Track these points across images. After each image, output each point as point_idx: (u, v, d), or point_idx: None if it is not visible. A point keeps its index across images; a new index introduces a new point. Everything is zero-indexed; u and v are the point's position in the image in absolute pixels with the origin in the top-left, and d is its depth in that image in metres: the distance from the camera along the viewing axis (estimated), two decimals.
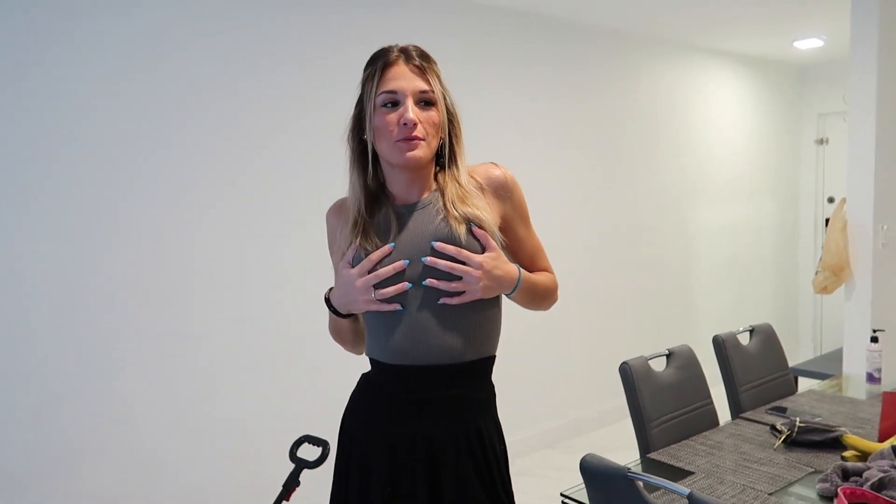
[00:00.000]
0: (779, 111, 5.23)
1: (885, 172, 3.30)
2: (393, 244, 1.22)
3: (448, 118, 1.26)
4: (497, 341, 1.33)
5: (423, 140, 1.20)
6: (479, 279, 1.20)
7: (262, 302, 2.74)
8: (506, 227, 1.32)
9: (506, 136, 3.44)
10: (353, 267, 1.23)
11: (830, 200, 5.27)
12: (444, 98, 1.25)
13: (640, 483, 1.27)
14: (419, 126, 1.19)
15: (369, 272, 1.21)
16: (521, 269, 1.30)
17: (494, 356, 1.32)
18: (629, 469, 1.27)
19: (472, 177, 1.29)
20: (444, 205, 1.24)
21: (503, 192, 1.31)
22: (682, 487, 1.18)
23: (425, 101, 1.22)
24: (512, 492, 1.31)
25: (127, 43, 2.39)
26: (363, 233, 1.24)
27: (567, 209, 3.77)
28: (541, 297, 1.37)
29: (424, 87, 1.21)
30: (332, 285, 1.34)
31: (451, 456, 1.23)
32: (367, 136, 1.24)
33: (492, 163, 1.34)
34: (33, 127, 2.24)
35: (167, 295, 2.52)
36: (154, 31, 2.45)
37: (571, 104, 3.82)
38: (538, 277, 1.36)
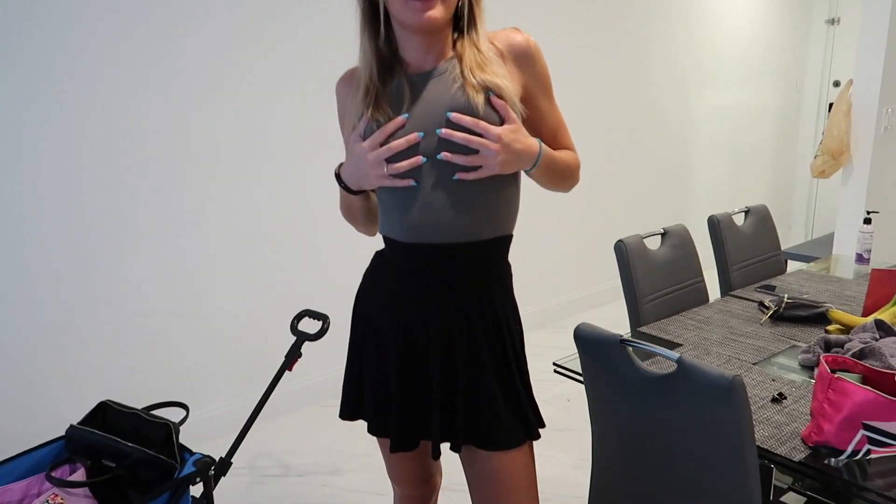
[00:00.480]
0: None
1: None
2: (406, 115, 1.14)
3: None
4: (514, 220, 1.28)
5: None
6: (498, 153, 1.12)
7: (263, 177, 2.71)
8: (527, 100, 1.22)
9: (505, 4, 3.29)
10: (364, 140, 1.17)
11: (836, 84, 5.15)
12: None
13: (631, 349, 1.32)
14: None
15: (381, 145, 1.14)
16: (542, 144, 1.21)
17: (511, 235, 1.28)
18: (622, 336, 1.31)
19: (492, 43, 1.19)
20: (462, 72, 1.15)
21: (525, 60, 1.21)
22: (671, 353, 1.23)
23: None
24: (527, 370, 1.30)
25: None
26: (375, 103, 1.16)
27: (567, 85, 3.67)
28: (562, 177, 1.29)
29: None
30: (343, 160, 1.27)
31: (464, 333, 1.22)
32: None
33: (514, 28, 1.22)
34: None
35: (169, 172, 2.49)
36: None
37: None
38: (560, 154, 1.27)
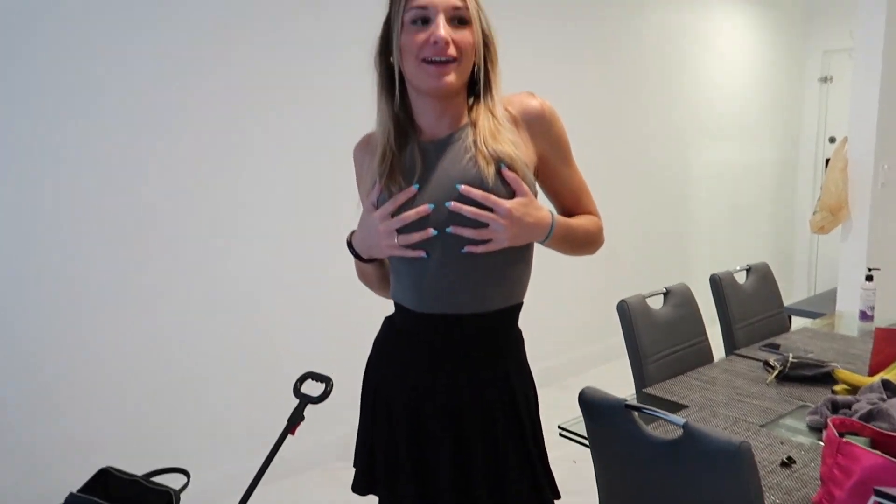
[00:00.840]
0: (782, 48, 5.12)
1: (889, 110, 3.27)
2: (417, 185, 1.14)
3: (483, 41, 1.14)
4: (526, 288, 1.26)
5: (455, 61, 1.10)
6: (507, 227, 1.11)
7: (268, 235, 2.75)
8: (544, 166, 1.21)
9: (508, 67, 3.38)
10: (377, 209, 1.16)
11: (832, 140, 5.23)
12: (480, 17, 1.13)
13: (636, 414, 1.31)
14: (451, 46, 1.09)
15: (393, 215, 1.14)
16: (555, 215, 1.18)
17: (522, 303, 1.26)
18: (627, 401, 1.31)
19: (506, 109, 1.19)
20: (474, 141, 1.14)
21: (539, 125, 1.20)
22: (677, 418, 1.22)
23: (459, 20, 1.10)
24: (542, 439, 1.27)
25: None
26: (389, 170, 1.16)
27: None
28: (580, 244, 1.26)
29: (458, 3, 1.10)
30: (356, 227, 1.26)
31: (477, 404, 1.19)
32: (394, 58, 1.14)
33: (529, 93, 1.21)
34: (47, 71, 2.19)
35: (173, 230, 2.52)
36: None
37: (576, 38, 3.74)
38: (577, 222, 1.24)
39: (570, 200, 1.27)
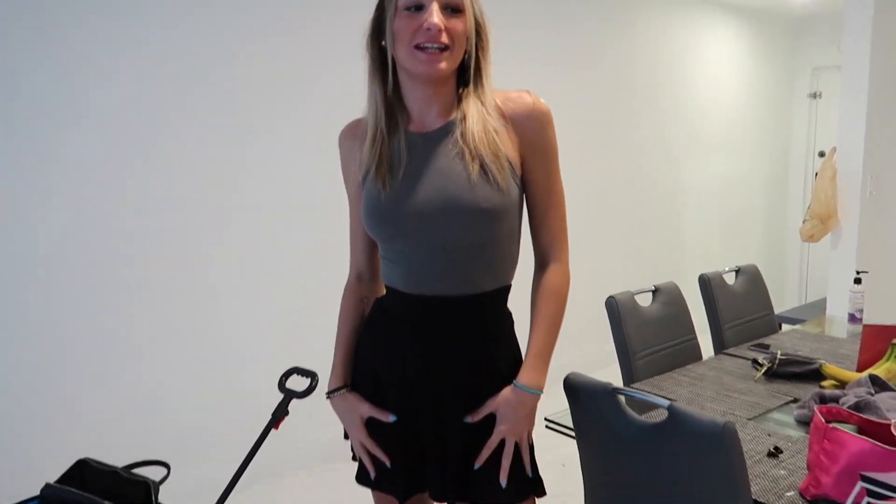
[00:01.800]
0: (772, 64, 5.19)
1: (877, 122, 3.30)
2: (394, 418, 1.22)
3: (475, 29, 1.15)
4: (514, 271, 1.25)
5: (447, 49, 1.11)
6: (514, 433, 1.18)
7: (257, 230, 2.74)
8: (523, 167, 1.19)
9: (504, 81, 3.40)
10: (363, 188, 1.19)
11: (821, 155, 5.27)
12: (473, 5, 1.14)
13: (623, 399, 1.30)
14: (443, 34, 1.10)
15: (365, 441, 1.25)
16: (531, 378, 1.20)
17: (510, 285, 1.25)
18: (612, 385, 1.29)
19: (498, 104, 1.19)
20: (463, 134, 1.15)
21: (526, 122, 1.18)
22: (662, 400, 1.21)
23: (452, 8, 1.11)
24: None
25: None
26: (378, 159, 1.17)
27: (561, 149, 3.75)
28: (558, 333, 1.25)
29: None
30: (337, 384, 1.32)
31: (463, 381, 1.20)
32: (386, 42, 1.15)
33: (526, 90, 1.21)
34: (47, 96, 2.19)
35: (164, 230, 2.51)
36: None
37: (566, 50, 3.78)
38: (548, 332, 1.22)
39: (538, 211, 1.23)
